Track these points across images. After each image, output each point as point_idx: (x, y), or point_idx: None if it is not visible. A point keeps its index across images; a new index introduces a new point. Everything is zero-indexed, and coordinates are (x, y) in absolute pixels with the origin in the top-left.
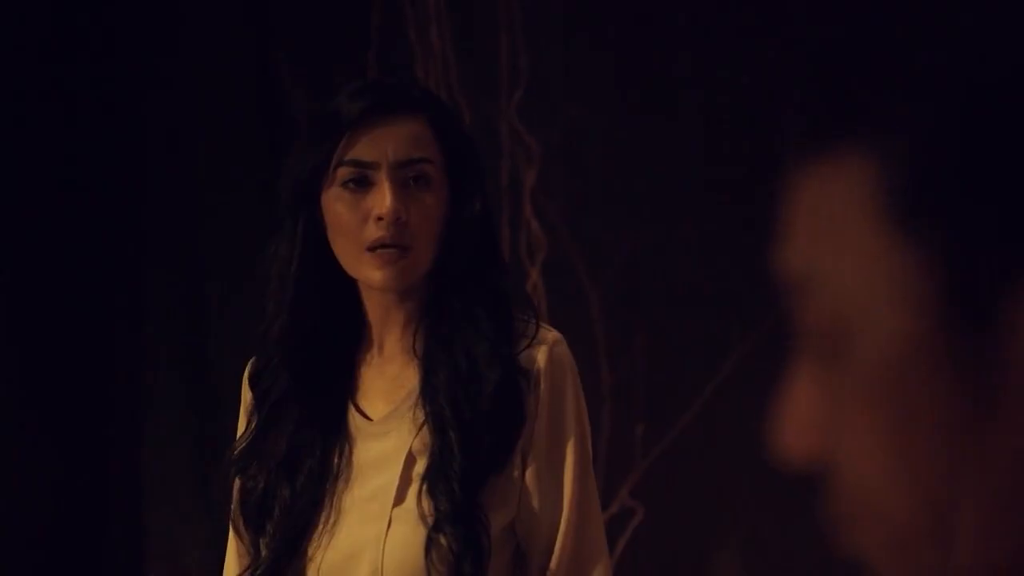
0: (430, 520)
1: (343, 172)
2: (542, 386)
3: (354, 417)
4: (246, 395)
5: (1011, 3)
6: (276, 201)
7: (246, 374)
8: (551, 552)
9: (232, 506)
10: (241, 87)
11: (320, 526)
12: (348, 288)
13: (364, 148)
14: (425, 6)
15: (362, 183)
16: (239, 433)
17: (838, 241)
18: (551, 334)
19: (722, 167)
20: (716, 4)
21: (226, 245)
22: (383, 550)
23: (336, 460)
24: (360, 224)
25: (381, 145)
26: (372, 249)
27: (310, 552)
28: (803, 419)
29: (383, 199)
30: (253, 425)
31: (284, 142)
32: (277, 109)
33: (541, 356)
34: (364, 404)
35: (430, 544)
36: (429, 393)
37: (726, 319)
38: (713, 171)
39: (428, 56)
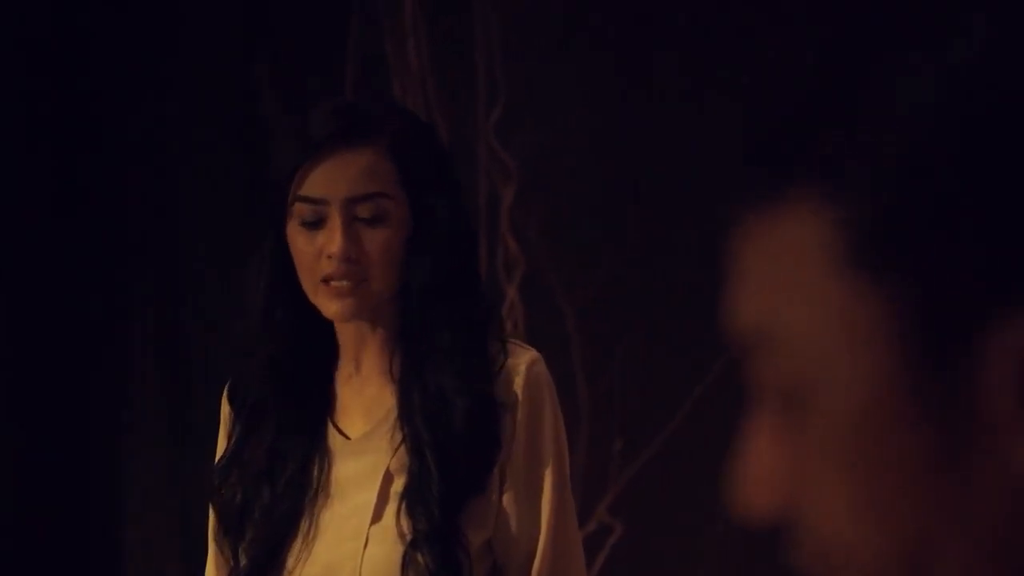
0: (408, 538)
1: (299, 208)
2: (519, 409)
3: (332, 435)
4: (225, 410)
5: (969, 40)
6: (257, 217)
7: (225, 392)
8: (529, 572)
9: (211, 516)
10: (221, 95)
11: (299, 540)
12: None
13: (315, 184)
14: (402, 22)
15: (316, 219)
16: (218, 451)
17: (793, 289)
18: (527, 354)
19: (701, 191)
20: (698, 31)
21: (208, 255)
22: (360, 567)
23: (316, 474)
24: (315, 259)
25: (333, 181)
26: (326, 282)
27: (289, 565)
28: (764, 477)
29: (333, 238)
30: (233, 441)
31: (263, 150)
32: (257, 117)
33: (518, 379)
34: (342, 422)
35: (407, 562)
36: (406, 415)
37: (703, 335)
38: (690, 190)
39: (405, 73)
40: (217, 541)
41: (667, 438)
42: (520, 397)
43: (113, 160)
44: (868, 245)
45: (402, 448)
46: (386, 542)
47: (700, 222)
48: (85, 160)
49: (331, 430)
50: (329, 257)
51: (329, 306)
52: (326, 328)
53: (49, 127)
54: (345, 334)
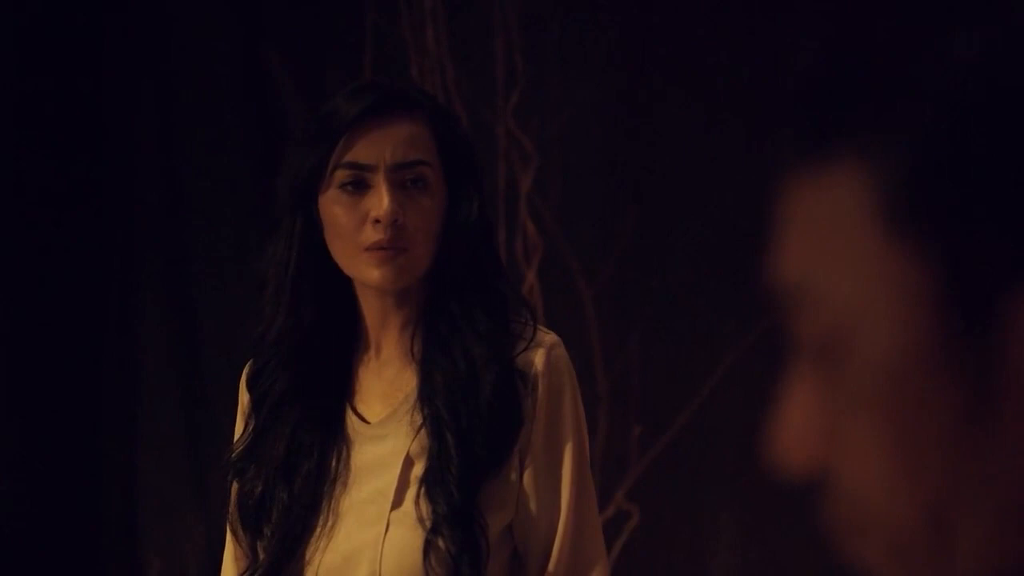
0: (428, 523)
1: (340, 174)
2: (540, 389)
3: (352, 420)
4: (243, 397)
5: (1005, 10)
6: (272, 202)
7: (244, 376)
8: (549, 555)
9: (230, 509)
10: (234, 88)
11: (318, 529)
12: (345, 291)
13: (361, 150)
14: (421, 8)
15: (359, 185)
16: (236, 436)
17: (832, 250)
18: (549, 337)
19: (719, 169)
20: (712, 13)
21: (217, 247)
22: (381, 553)
23: (334, 463)
24: (358, 226)
25: (378, 147)
26: (369, 250)
27: (308, 555)
28: (801, 427)
29: (380, 202)
30: (251, 428)
31: (277, 144)
32: (271, 111)
33: (539, 359)
34: (362, 407)
35: (428, 547)
36: (427, 396)
37: (722, 321)
38: (711, 173)
39: (424, 58)
40: (235, 533)
41: (685, 424)
42: (540, 379)
43: (122, 159)
44: (905, 207)
45: (422, 431)
46: (407, 527)
47: (719, 205)
48: (93, 159)
49: (350, 415)
50: (377, 221)
51: (372, 273)
52: (348, 310)
53: (56, 126)
54: (370, 314)
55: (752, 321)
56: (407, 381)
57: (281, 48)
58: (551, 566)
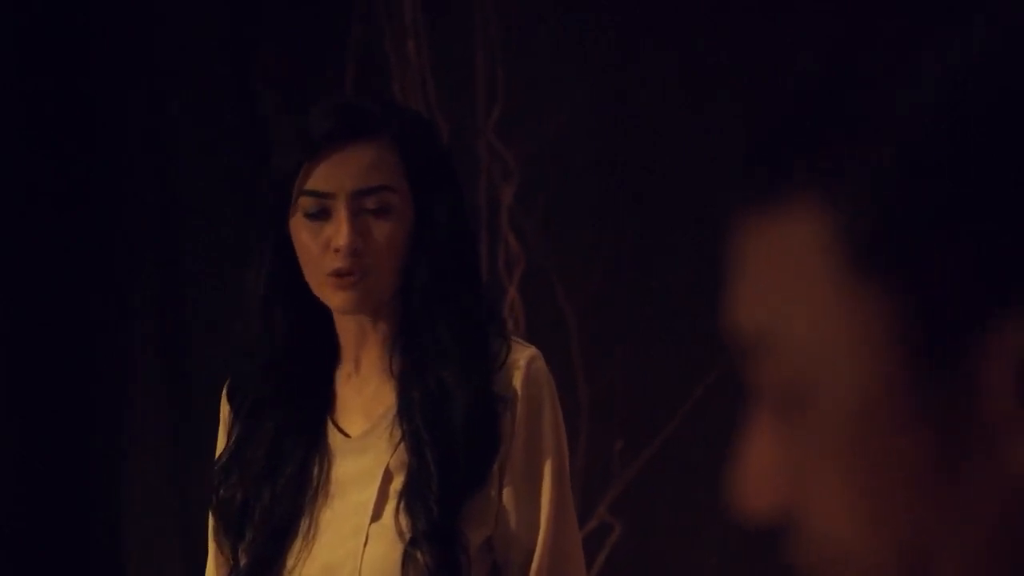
0: (407, 536)
1: (304, 202)
2: (519, 406)
3: (333, 433)
4: (224, 410)
5: (969, 41)
6: (257, 214)
7: (224, 391)
8: (528, 569)
9: (211, 515)
10: (228, 89)
11: (299, 539)
12: (323, 307)
13: (322, 178)
14: (402, 21)
15: (322, 212)
16: (218, 449)
17: (792, 290)
18: (528, 350)
19: (700, 188)
20: (698, 29)
21: (208, 254)
22: (360, 565)
23: (316, 472)
24: (321, 252)
25: (339, 174)
26: (331, 275)
27: (289, 565)
28: (763, 477)
29: (339, 230)
30: (232, 440)
31: (263, 149)
32: (257, 117)
33: (517, 375)
34: (342, 421)
35: (407, 560)
36: (406, 412)
37: (704, 334)
38: (689, 190)
39: (405, 72)
40: (217, 541)
41: (667, 437)
42: (519, 393)
43: (113, 160)
44: (868, 246)
45: (402, 446)
46: (386, 540)
47: (700, 222)
48: (85, 160)
49: (331, 428)
50: (336, 250)
51: (334, 297)
52: (326, 327)
53: (49, 126)
54: (346, 332)
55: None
56: (386, 396)
57: (265, 60)
58: None
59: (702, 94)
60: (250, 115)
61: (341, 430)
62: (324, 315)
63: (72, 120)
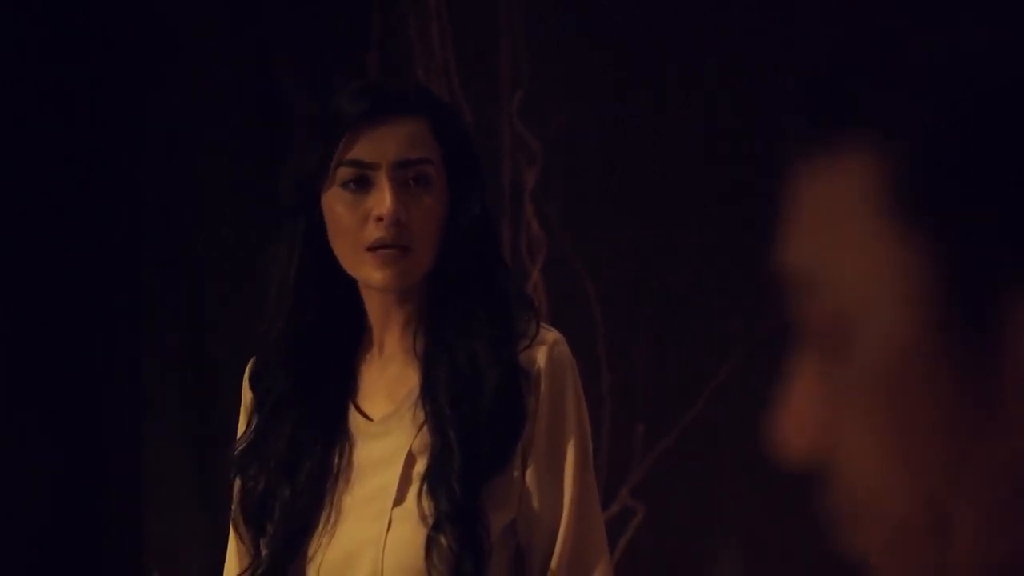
0: (430, 520)
1: (343, 173)
2: (542, 386)
3: (355, 417)
4: (246, 395)
5: (1012, 3)
6: (276, 202)
7: (246, 374)
8: (551, 552)
9: (232, 506)
10: (241, 87)
11: (320, 526)
12: (348, 289)
13: (364, 149)
14: (426, 6)
15: (362, 184)
16: (239, 433)
17: (839, 238)
18: (551, 334)
19: (722, 167)
20: (716, 5)
21: (224, 245)
22: (383, 550)
23: (336, 460)
24: (360, 224)
25: (381, 146)
26: (372, 249)
27: (310, 552)
28: (803, 416)
29: (383, 200)
30: (253, 425)
31: (284, 142)
32: (277, 109)
33: (541, 356)
34: (364, 404)
35: (430, 544)
36: (429, 393)
37: (727, 318)
38: (714, 171)
39: (429, 57)
40: (238, 530)
41: (690, 421)
42: (543, 376)
43: (128, 155)
44: (912, 199)
45: (425, 428)
46: (409, 524)
47: (723, 203)
48: (93, 157)
49: (353, 412)
50: (379, 219)
51: (374, 274)
52: (351, 309)
53: (54, 125)
54: (373, 312)
55: (757, 320)
56: (410, 378)
57: (286, 49)
58: (554, 563)
59: (723, 75)
60: (270, 111)
61: (363, 413)
62: (350, 296)
63: (86, 119)
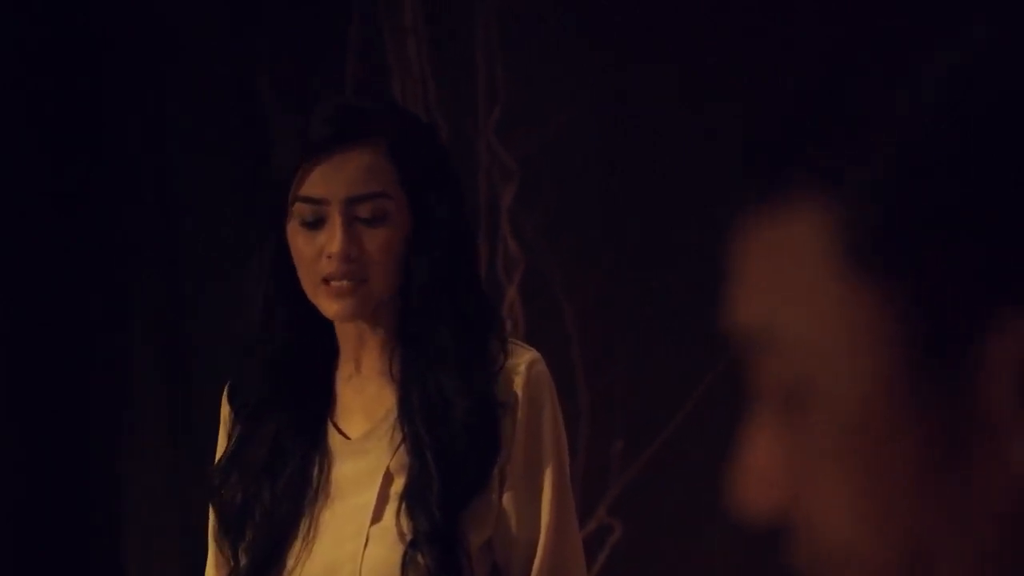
0: (408, 538)
1: (299, 208)
2: (519, 410)
3: (332, 435)
4: (224, 411)
5: (968, 41)
6: (257, 216)
7: (225, 393)
8: (529, 570)
9: (211, 515)
10: (241, 87)
11: (299, 540)
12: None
13: (316, 184)
14: (402, 22)
15: (316, 220)
16: (218, 451)
17: (790, 291)
18: (528, 353)
19: (703, 188)
20: (698, 28)
21: (225, 245)
22: (360, 567)
23: (316, 473)
24: (315, 258)
25: (332, 182)
26: (327, 282)
27: (289, 565)
28: (764, 474)
29: (333, 238)
30: (233, 442)
31: (263, 150)
32: (261, 118)
33: (518, 379)
34: (342, 422)
35: (407, 562)
36: (406, 414)
37: (704, 335)
38: (694, 191)
39: (405, 73)
40: (217, 541)
41: (667, 438)
42: (520, 397)
43: (113, 160)
44: (868, 246)
45: (402, 448)
46: (386, 542)
47: (700, 222)
48: (85, 160)
49: (331, 430)
50: (329, 257)
51: (329, 306)
52: (326, 328)
53: (49, 126)
54: (345, 334)
55: (732, 340)
56: (387, 398)
57: (267, 60)
58: None
59: (702, 94)
60: (251, 115)
61: (341, 432)
62: (324, 317)
63: (72, 120)
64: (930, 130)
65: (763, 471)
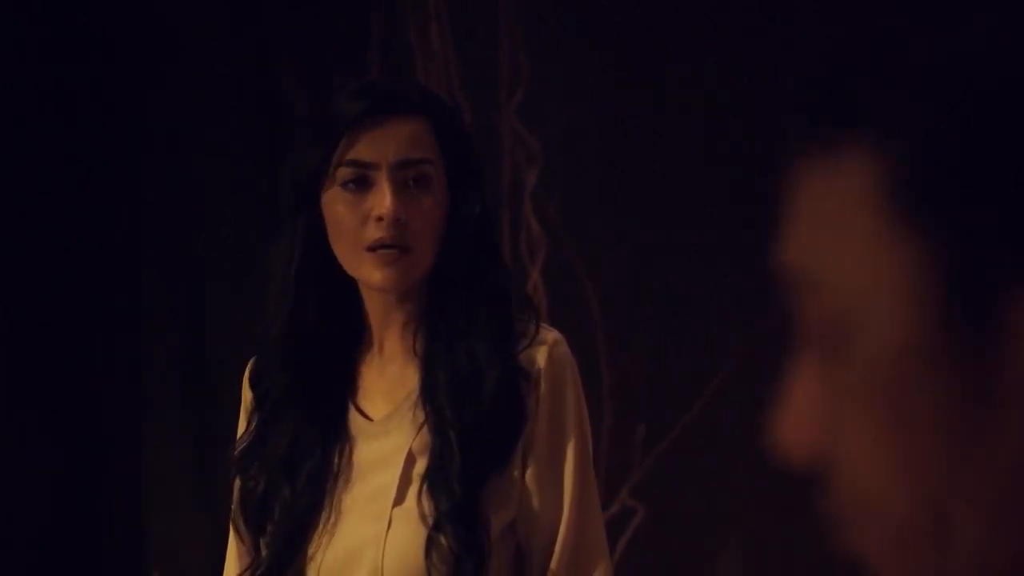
0: (430, 520)
1: (343, 172)
2: (542, 386)
3: (355, 417)
4: (246, 395)
5: (1013, 3)
6: (276, 202)
7: (246, 374)
8: (551, 552)
9: (232, 506)
10: (240, 88)
11: (320, 526)
12: (348, 288)
13: (364, 148)
14: (425, 6)
15: (362, 184)
16: (239, 434)
17: (839, 238)
18: (551, 334)
19: (722, 166)
20: (716, 4)
21: (224, 246)
22: (383, 550)
23: (336, 460)
24: (360, 224)
25: (381, 145)
26: (372, 249)
27: (310, 552)
28: (803, 416)
29: (383, 199)
30: (253, 425)
31: (284, 143)
32: (277, 110)
33: (541, 356)
34: (364, 404)
35: (430, 544)
36: (429, 393)
37: (726, 318)
38: (713, 170)
39: (428, 56)
40: (238, 530)
41: (690, 421)
42: (543, 376)
43: (113, 160)
44: (913, 197)
45: (424, 429)
46: (409, 524)
47: (724, 203)
48: (85, 160)
49: (353, 412)
50: (379, 219)
51: (374, 274)
52: (351, 308)
53: (57, 125)
54: (373, 312)
55: (757, 320)
56: (409, 378)
57: (286, 49)
58: (554, 563)
59: (723, 74)
60: (270, 112)
61: (363, 413)
62: (351, 296)
63: (72, 120)
64: (975, 89)
65: (803, 411)
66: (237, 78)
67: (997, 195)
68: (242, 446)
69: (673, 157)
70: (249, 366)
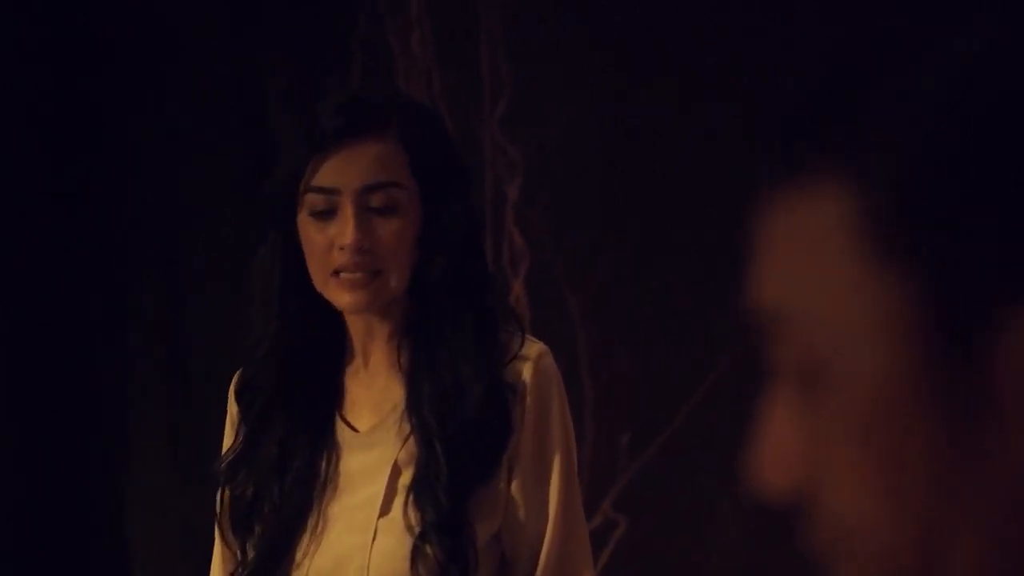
0: (416, 530)
1: (310, 199)
2: (528, 398)
3: (341, 429)
4: (232, 408)
5: (995, 29)
6: (261, 212)
7: (232, 387)
8: (536, 563)
9: (218, 512)
10: (241, 87)
11: (308, 533)
12: (331, 304)
13: (328, 174)
14: (407, 17)
15: (327, 210)
16: (225, 447)
17: (814, 271)
18: (536, 346)
19: (708, 182)
20: (701, 27)
21: (225, 245)
22: (369, 560)
23: (324, 467)
24: (326, 250)
25: (345, 171)
26: (337, 274)
27: (298, 558)
28: (781, 452)
29: (344, 228)
30: (240, 438)
31: (268, 150)
32: (261, 118)
33: (527, 369)
34: (351, 416)
35: (416, 554)
36: (415, 405)
37: (712, 328)
38: (699, 184)
39: (410, 67)
40: (224, 536)
41: (673, 433)
42: (528, 388)
43: (115, 159)
44: (887, 230)
45: (411, 440)
46: (395, 535)
47: (706, 215)
48: (87, 160)
49: (340, 423)
50: (341, 248)
51: (341, 297)
52: (335, 322)
53: (50, 126)
54: (354, 327)
55: (741, 331)
56: (395, 391)
57: (270, 58)
58: (538, 573)
59: (712, 85)
60: (253, 114)
61: (350, 425)
62: (333, 310)
63: (72, 120)
64: (951, 115)
65: (780, 448)
66: (237, 78)
67: (976, 222)
68: (229, 458)
69: (657, 168)
70: (235, 379)
